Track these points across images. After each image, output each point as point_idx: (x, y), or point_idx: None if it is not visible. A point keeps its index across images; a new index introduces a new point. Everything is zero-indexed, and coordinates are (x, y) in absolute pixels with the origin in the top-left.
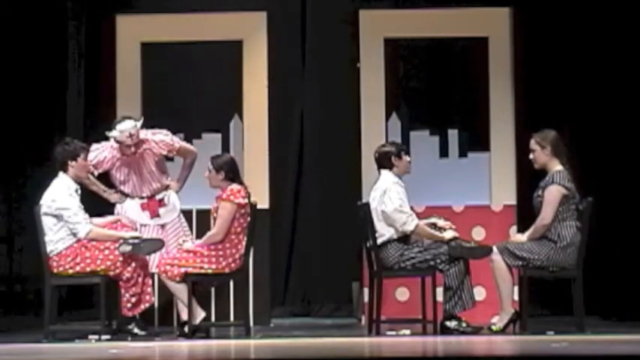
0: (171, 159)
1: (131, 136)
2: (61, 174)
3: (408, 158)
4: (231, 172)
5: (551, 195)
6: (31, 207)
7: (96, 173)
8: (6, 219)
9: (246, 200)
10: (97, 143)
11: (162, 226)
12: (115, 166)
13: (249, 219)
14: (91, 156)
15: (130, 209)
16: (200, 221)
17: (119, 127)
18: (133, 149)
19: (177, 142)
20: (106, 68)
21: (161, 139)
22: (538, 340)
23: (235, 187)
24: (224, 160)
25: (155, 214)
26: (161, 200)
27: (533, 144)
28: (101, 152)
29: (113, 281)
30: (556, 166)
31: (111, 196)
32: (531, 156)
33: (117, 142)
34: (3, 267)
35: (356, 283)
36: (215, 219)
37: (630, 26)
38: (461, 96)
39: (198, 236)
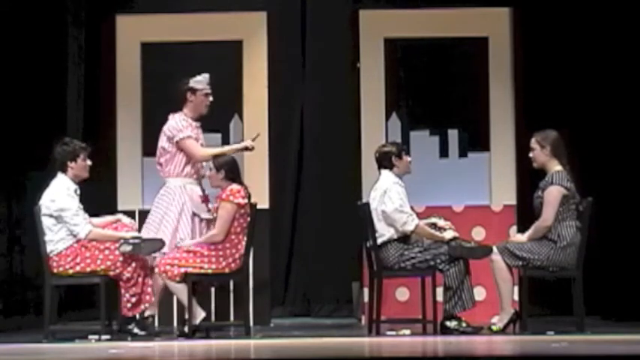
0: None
1: (209, 83)
2: (59, 174)
3: (408, 158)
4: (231, 171)
5: (551, 195)
6: (31, 207)
7: (192, 134)
8: (6, 219)
9: (246, 200)
10: (176, 125)
11: (208, 222)
12: (195, 132)
13: (249, 219)
14: (177, 126)
15: (192, 199)
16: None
17: (196, 78)
18: (210, 99)
19: None
20: (106, 68)
21: None
22: (538, 340)
23: (235, 187)
24: (225, 160)
25: (208, 209)
26: (208, 196)
27: (533, 143)
28: (179, 121)
29: (113, 281)
30: (555, 167)
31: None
32: (531, 154)
33: (195, 91)
34: (3, 267)
35: (356, 283)
36: (215, 219)
37: (630, 26)
38: (461, 96)
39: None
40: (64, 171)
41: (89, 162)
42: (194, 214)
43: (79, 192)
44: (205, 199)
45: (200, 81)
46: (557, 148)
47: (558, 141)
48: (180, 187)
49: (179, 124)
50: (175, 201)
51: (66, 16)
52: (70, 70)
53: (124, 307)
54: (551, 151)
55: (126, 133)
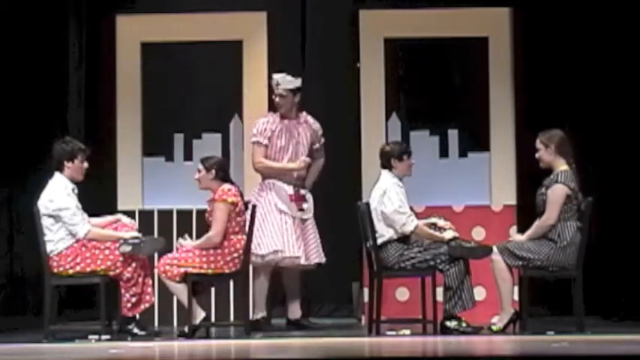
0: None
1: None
2: (57, 174)
3: (410, 161)
4: (221, 170)
5: (555, 195)
6: (31, 207)
7: (262, 140)
8: (6, 219)
9: (239, 199)
10: (256, 127)
11: (304, 221)
12: (276, 132)
13: (245, 217)
14: (256, 129)
15: (280, 196)
16: (200, 221)
17: (278, 75)
18: (276, 99)
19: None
20: (106, 68)
21: (315, 121)
22: (538, 340)
23: (226, 186)
24: (215, 159)
25: (300, 208)
26: (304, 196)
27: (538, 143)
28: (261, 123)
29: (113, 281)
30: (561, 166)
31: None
32: (537, 155)
33: (276, 85)
34: (3, 267)
35: (356, 283)
36: (211, 223)
37: (630, 26)
38: (461, 96)
39: (198, 237)
40: (61, 170)
41: (86, 164)
42: (283, 212)
43: (76, 191)
44: (296, 198)
45: (284, 76)
46: (562, 147)
47: (563, 140)
48: (266, 184)
49: (260, 127)
50: (262, 198)
51: (66, 17)
52: (71, 70)
53: (124, 307)
54: (556, 149)
55: (126, 133)
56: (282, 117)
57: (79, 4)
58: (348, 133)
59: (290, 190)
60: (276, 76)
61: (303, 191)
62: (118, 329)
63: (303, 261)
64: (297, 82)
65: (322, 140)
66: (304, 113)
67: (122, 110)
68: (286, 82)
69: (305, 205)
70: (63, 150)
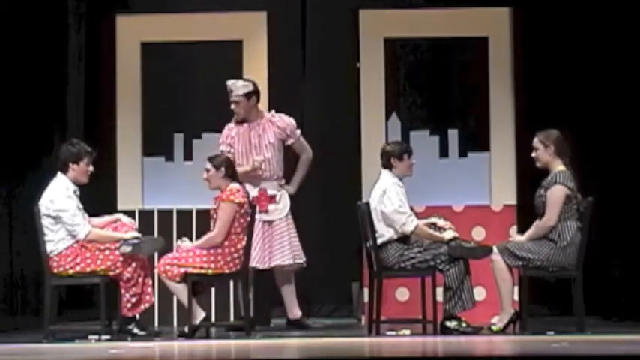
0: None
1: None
2: (59, 175)
3: (411, 161)
4: (230, 169)
5: (555, 196)
6: (31, 207)
7: (224, 148)
8: (6, 219)
9: (246, 199)
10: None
11: (270, 223)
12: (235, 137)
13: (248, 219)
14: (220, 138)
15: None
16: (200, 221)
17: (230, 81)
18: (232, 106)
19: (299, 133)
20: (106, 68)
21: (286, 117)
22: (538, 340)
23: (234, 186)
24: (222, 158)
25: (264, 210)
26: (272, 197)
27: (536, 142)
28: (224, 131)
29: (113, 281)
30: (559, 167)
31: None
32: (533, 154)
33: (229, 91)
34: (3, 267)
35: (356, 283)
36: (215, 221)
37: (630, 26)
38: (461, 96)
39: (198, 237)
40: (65, 171)
41: (91, 168)
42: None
43: (78, 193)
44: (260, 200)
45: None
46: (561, 147)
47: (562, 140)
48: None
49: (222, 135)
50: None
51: (66, 17)
52: (70, 70)
53: (124, 307)
54: (555, 150)
55: (126, 133)
56: (242, 121)
57: (79, 4)
58: (348, 133)
59: (254, 192)
60: (228, 83)
61: (272, 192)
62: (118, 329)
63: (256, 264)
64: (249, 87)
65: (297, 134)
66: (272, 112)
67: (122, 110)
68: (237, 87)
69: (271, 207)
70: (68, 151)
